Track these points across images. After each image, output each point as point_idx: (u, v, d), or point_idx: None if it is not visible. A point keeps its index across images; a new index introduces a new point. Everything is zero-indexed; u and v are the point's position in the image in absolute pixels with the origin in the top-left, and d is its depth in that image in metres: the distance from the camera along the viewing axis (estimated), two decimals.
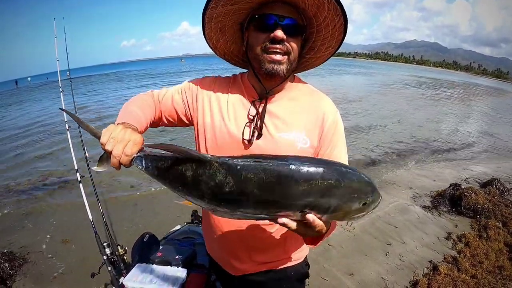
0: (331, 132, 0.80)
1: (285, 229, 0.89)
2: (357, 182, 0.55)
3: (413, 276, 2.20)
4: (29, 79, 43.52)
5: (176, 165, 0.59)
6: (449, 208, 3.33)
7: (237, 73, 0.92)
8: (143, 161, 0.63)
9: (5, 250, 2.72)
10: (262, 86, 0.79)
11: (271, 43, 0.72)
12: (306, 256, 1.02)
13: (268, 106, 0.81)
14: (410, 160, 5.22)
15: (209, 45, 0.85)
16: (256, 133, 0.78)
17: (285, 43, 0.72)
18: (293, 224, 0.56)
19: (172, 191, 0.63)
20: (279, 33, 0.70)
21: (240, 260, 0.91)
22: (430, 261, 2.39)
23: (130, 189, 3.75)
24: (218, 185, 0.54)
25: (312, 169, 0.51)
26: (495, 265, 2.39)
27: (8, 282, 2.41)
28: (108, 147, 0.60)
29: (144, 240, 1.66)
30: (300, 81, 0.89)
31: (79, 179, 1.69)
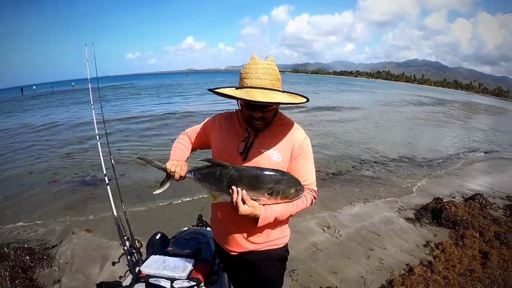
0: (298, 152, 1.19)
1: None
2: (291, 178, 1.11)
3: (390, 276, 2.48)
4: (34, 87, 44.56)
5: (210, 169, 1.15)
6: (431, 220, 3.62)
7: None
8: (192, 172, 1.20)
9: (26, 245, 3.02)
10: (252, 130, 1.19)
11: (252, 117, 1.12)
12: (287, 243, 1.35)
13: (260, 133, 1.20)
14: (401, 176, 5.51)
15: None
16: (246, 148, 1.18)
17: (261, 115, 1.11)
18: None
19: (206, 187, 1.16)
20: (257, 114, 1.10)
21: (236, 242, 1.25)
22: (407, 264, 2.66)
23: (147, 197, 4.14)
24: (231, 176, 1.09)
25: (272, 170, 1.10)
26: (467, 269, 2.65)
27: (28, 273, 2.69)
28: (172, 168, 1.18)
29: (157, 237, 1.96)
30: (283, 117, 1.26)
31: (107, 182, 2.01)
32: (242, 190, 1.06)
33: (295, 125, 1.25)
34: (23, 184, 4.79)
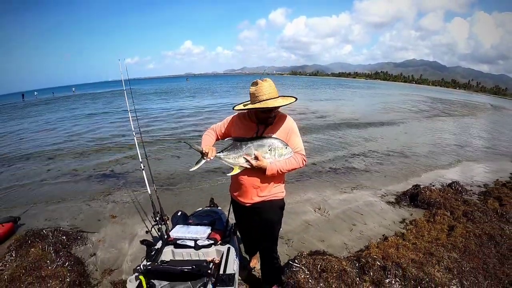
0: (290, 132, 1.80)
1: (272, 179, 1.81)
2: (283, 141, 1.76)
3: (368, 243, 3.00)
4: (35, 93, 44.96)
5: (232, 145, 1.80)
6: (409, 203, 4.15)
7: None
8: (221, 152, 1.80)
9: (61, 228, 3.54)
10: (259, 122, 1.81)
11: (268, 117, 1.77)
12: (283, 197, 1.95)
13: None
14: (389, 169, 6.03)
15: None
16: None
17: (273, 113, 1.76)
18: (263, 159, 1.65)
19: (231, 159, 1.75)
20: (271, 115, 1.75)
21: (250, 196, 1.85)
22: (383, 235, 3.19)
23: (173, 182, 4.77)
24: (246, 143, 1.75)
25: (270, 137, 1.76)
26: (434, 238, 3.17)
27: (67, 248, 3.22)
28: (206, 150, 1.74)
29: (178, 214, 2.52)
30: (281, 114, 1.86)
31: (142, 168, 2.57)
32: (255, 151, 1.71)
33: (287, 116, 1.87)
34: (45, 179, 5.33)
